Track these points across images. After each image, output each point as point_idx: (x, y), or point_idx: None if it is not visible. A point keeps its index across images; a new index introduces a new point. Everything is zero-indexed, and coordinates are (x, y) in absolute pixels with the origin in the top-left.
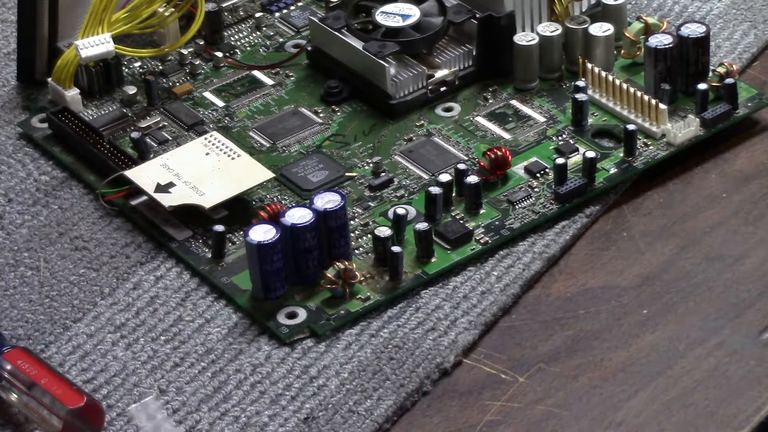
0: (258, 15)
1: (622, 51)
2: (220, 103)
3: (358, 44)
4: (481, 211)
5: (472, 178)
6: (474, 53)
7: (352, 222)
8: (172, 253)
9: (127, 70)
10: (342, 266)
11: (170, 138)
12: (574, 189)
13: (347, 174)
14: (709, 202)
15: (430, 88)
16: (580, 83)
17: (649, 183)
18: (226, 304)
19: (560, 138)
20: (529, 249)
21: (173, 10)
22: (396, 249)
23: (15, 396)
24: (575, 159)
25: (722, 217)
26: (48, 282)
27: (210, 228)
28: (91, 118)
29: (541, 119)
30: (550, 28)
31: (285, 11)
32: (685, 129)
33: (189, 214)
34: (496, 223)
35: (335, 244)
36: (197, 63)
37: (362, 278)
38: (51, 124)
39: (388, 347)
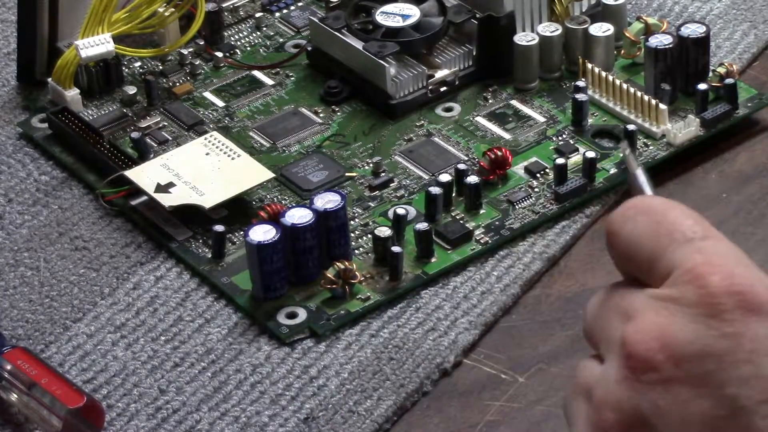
0: (258, 15)
1: (622, 51)
2: (220, 103)
3: (358, 44)
4: (481, 211)
5: (472, 178)
6: (474, 53)
7: (352, 222)
8: (172, 253)
9: (127, 70)
10: (342, 266)
11: (170, 138)
12: (574, 189)
13: (347, 174)
14: (709, 203)
15: (430, 88)
16: (580, 83)
17: None
18: (226, 304)
19: (560, 138)
20: (529, 249)
21: (173, 10)
22: (396, 249)
23: (15, 396)
24: (575, 159)
25: (722, 217)
26: (48, 282)
27: (210, 228)
28: (91, 118)
29: (541, 119)
30: (550, 28)
31: (285, 11)
32: (685, 129)
33: (189, 214)
34: (496, 223)
35: (335, 244)
36: (197, 63)
37: (362, 278)
38: (51, 124)
39: (388, 347)
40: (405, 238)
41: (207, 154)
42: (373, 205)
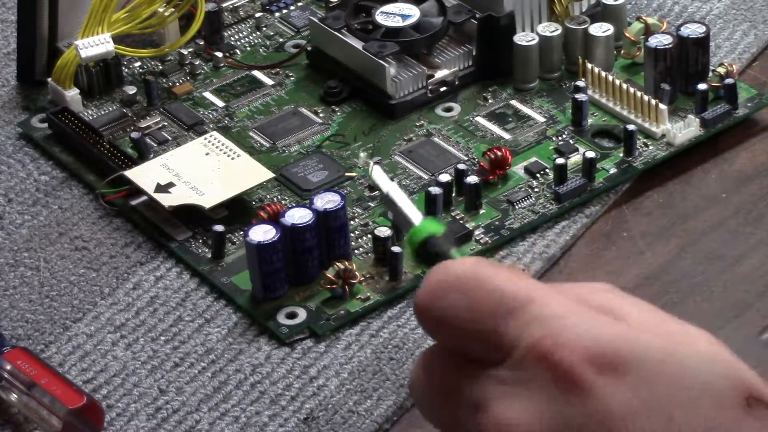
0: (258, 15)
1: (622, 51)
2: (220, 103)
3: (358, 44)
4: (481, 211)
5: (472, 178)
6: (474, 53)
7: (352, 222)
8: (172, 253)
9: (127, 70)
10: (342, 266)
11: (170, 138)
12: (574, 189)
13: (347, 174)
14: (709, 202)
15: (430, 88)
16: (580, 83)
17: (649, 183)
18: (226, 304)
19: (560, 138)
20: (529, 249)
21: (173, 10)
22: (396, 249)
23: (15, 396)
24: (575, 159)
25: (722, 217)
26: (48, 282)
27: (210, 228)
28: (91, 118)
29: (541, 119)
30: (550, 28)
31: (285, 11)
32: (685, 129)
33: (189, 214)
34: (496, 223)
35: (335, 244)
36: (197, 63)
37: (362, 278)
38: (51, 124)
39: (388, 347)
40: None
41: (207, 154)
42: (373, 205)
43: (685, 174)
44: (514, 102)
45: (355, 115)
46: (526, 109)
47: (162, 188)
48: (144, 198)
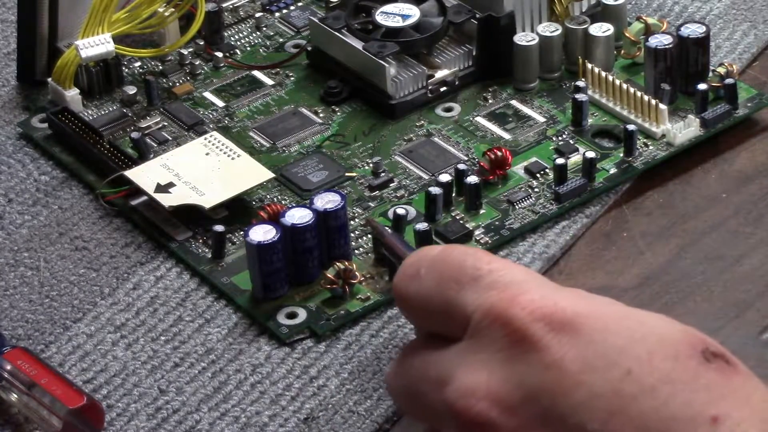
0: (258, 15)
1: (622, 51)
2: (220, 103)
3: (358, 44)
4: (481, 211)
5: (472, 178)
6: (474, 53)
7: (352, 222)
8: (172, 253)
9: (127, 70)
10: (342, 266)
11: (170, 138)
12: (574, 189)
13: (347, 174)
14: (709, 203)
15: (430, 88)
16: (580, 83)
17: (649, 183)
18: (226, 304)
19: (560, 138)
20: (529, 249)
21: (173, 10)
22: None
23: (15, 396)
24: (575, 159)
25: (722, 217)
26: (48, 282)
27: (210, 228)
28: (91, 118)
29: (541, 119)
30: (550, 29)
31: (285, 11)
32: (685, 129)
33: (189, 214)
34: (496, 223)
35: (335, 244)
36: (197, 63)
37: (362, 278)
38: (51, 124)
39: (388, 347)
40: (405, 238)
41: (207, 154)
42: (373, 205)
43: (685, 174)
44: (514, 102)
45: (355, 115)
46: (526, 109)
47: (162, 188)
48: (144, 198)
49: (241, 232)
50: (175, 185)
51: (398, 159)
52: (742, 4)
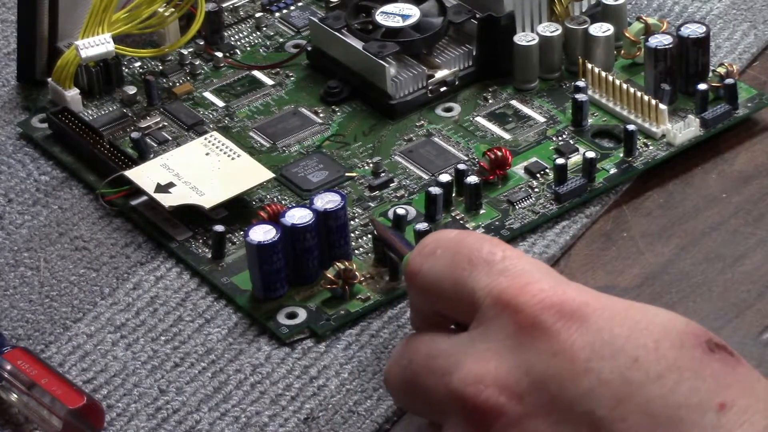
0: (258, 15)
1: (622, 51)
2: (220, 103)
3: (358, 44)
4: (481, 212)
5: (472, 179)
6: (474, 53)
7: (352, 222)
8: (172, 253)
9: (127, 70)
10: (342, 266)
11: (170, 138)
12: (574, 189)
13: (347, 174)
14: (709, 203)
15: (430, 88)
16: (580, 83)
17: (649, 183)
18: (226, 304)
19: (560, 138)
20: (529, 249)
21: (173, 10)
22: None
23: (15, 396)
24: (575, 159)
25: (722, 217)
26: (48, 282)
27: (210, 228)
28: (91, 118)
29: (541, 119)
30: (550, 29)
31: (285, 11)
32: (685, 129)
33: (189, 214)
34: (496, 223)
35: (335, 244)
36: (197, 63)
37: (362, 278)
38: (51, 124)
39: (388, 347)
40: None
41: (207, 154)
42: (373, 205)
43: (685, 174)
44: (514, 102)
45: (355, 115)
46: (526, 109)
47: (162, 188)
48: (144, 198)
49: (241, 232)
50: (175, 185)
51: (398, 159)
52: (742, 4)
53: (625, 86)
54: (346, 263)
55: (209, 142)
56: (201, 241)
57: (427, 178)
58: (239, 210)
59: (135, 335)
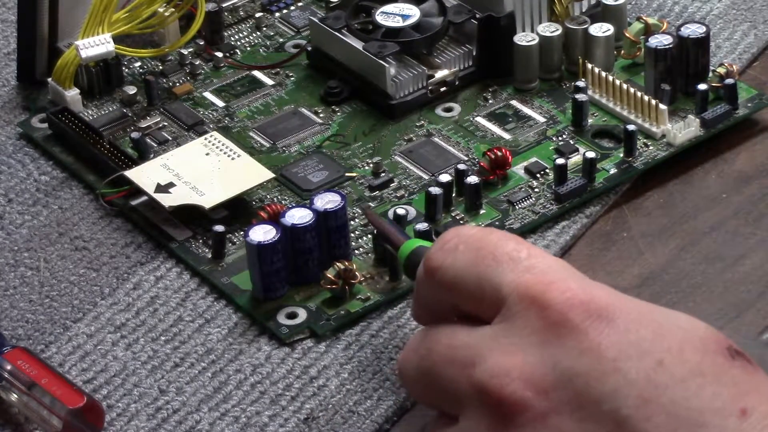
0: (258, 15)
1: (622, 51)
2: (220, 103)
3: (358, 44)
4: (481, 212)
5: (472, 179)
6: (474, 53)
7: (352, 222)
8: (172, 253)
9: (127, 70)
10: (342, 266)
11: (170, 138)
12: (574, 189)
13: (347, 174)
14: (709, 203)
15: (430, 88)
16: (580, 83)
17: (649, 183)
18: (226, 304)
19: (560, 138)
20: None
21: (173, 10)
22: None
23: (15, 396)
24: (575, 159)
25: (722, 217)
26: (48, 282)
27: (210, 228)
28: (91, 118)
29: (541, 119)
30: (550, 29)
31: (285, 11)
32: (685, 129)
33: (189, 214)
34: (496, 223)
35: (335, 244)
36: (197, 63)
37: (362, 278)
38: (51, 124)
39: (388, 347)
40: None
41: (207, 154)
42: (373, 205)
43: (685, 174)
44: (514, 102)
45: (355, 115)
46: (526, 110)
47: (162, 188)
48: (144, 198)
49: (241, 232)
50: (175, 185)
51: (398, 159)
52: (742, 4)
53: (625, 86)
54: (346, 263)
55: (209, 142)
56: (201, 241)
57: (427, 178)
58: (239, 210)
59: (135, 335)
